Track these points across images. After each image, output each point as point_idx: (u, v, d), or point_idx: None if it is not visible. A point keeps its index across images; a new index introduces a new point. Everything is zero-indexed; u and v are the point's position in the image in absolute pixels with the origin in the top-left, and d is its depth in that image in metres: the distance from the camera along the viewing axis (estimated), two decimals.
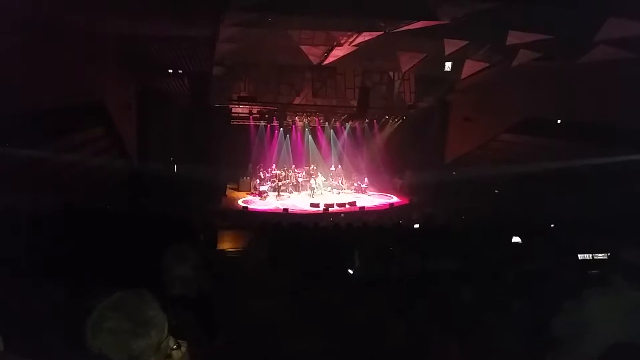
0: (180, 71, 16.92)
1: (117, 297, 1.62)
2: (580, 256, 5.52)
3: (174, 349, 1.57)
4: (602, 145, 13.32)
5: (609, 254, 2.67)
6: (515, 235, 6.18)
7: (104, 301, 1.61)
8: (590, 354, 2.21)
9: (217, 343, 2.65)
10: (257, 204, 19.44)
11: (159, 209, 13.02)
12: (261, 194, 20.10)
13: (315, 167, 22.02)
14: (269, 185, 20.95)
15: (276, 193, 20.48)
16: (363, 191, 21.55)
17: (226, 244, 10.72)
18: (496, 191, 17.66)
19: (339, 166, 22.60)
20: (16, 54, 8.85)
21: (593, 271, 4.13)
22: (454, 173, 19.43)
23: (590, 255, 5.40)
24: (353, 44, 16.42)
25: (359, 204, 19.24)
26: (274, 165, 21.74)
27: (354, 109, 21.02)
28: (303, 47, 17.32)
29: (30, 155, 10.32)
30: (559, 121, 15.83)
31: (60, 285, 3.30)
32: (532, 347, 2.64)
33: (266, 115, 21.53)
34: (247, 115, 21.30)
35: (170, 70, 16.88)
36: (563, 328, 2.44)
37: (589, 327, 2.30)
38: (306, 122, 22.63)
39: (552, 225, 9.27)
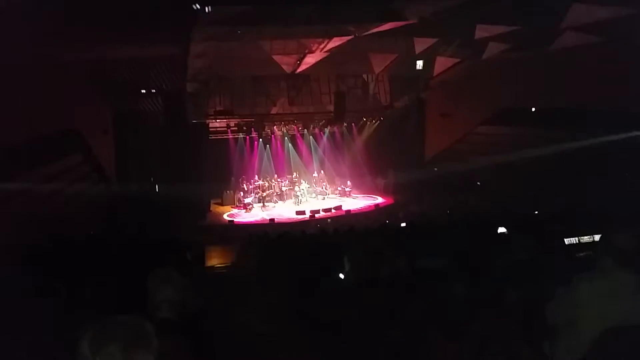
0: (154, 91, 16.80)
1: (107, 325, 1.60)
2: (566, 240, 5.59)
3: None
4: (579, 129, 13.55)
5: (599, 238, 2.67)
6: (502, 225, 6.23)
7: (95, 330, 1.58)
8: (585, 340, 2.22)
9: None
10: (242, 216, 19.30)
11: (143, 231, 12.86)
12: (246, 206, 19.97)
13: (297, 175, 21.95)
14: (253, 196, 20.82)
15: (261, 204, 20.35)
16: (347, 194, 21.57)
17: (214, 260, 10.62)
18: (478, 183, 17.84)
19: (322, 172, 22.56)
20: None
21: (581, 254, 4.17)
22: (435, 169, 19.57)
23: (577, 239, 5.47)
24: (324, 50, 16.51)
25: (344, 208, 19.24)
26: (257, 176, 21.61)
27: (331, 114, 21.09)
28: (275, 57, 17.36)
29: (8, 188, 10.15)
30: (533, 109, 16.09)
31: (48, 316, 3.23)
32: (530, 337, 2.64)
33: (244, 127, 21.41)
34: (225, 129, 21.16)
35: (144, 91, 16.75)
36: (557, 315, 2.45)
37: (583, 312, 2.30)
38: (285, 131, 22.57)
39: (536, 212, 9.38)
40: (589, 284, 2.37)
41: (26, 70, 10.61)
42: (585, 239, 5.47)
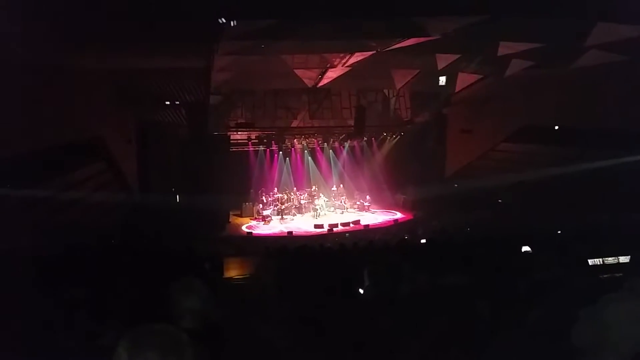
0: (178, 102, 17.08)
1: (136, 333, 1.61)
2: (590, 261, 5.47)
3: None
4: (601, 148, 13.34)
5: (629, 258, 2.61)
6: (524, 244, 6.14)
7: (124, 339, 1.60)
8: None
9: None
10: (261, 228, 19.37)
11: (163, 240, 13.00)
12: (264, 219, 20.05)
13: (316, 188, 21.99)
14: (271, 209, 20.90)
15: (279, 216, 20.43)
16: (366, 209, 21.50)
17: (232, 272, 10.67)
18: (499, 201, 17.62)
19: (341, 186, 22.56)
20: (16, 94, 8.96)
21: (605, 276, 4.08)
22: (455, 185, 19.40)
23: (601, 260, 5.36)
24: (346, 64, 16.60)
25: (363, 222, 19.18)
26: (276, 188, 21.72)
27: (352, 128, 21.14)
28: (297, 71, 17.52)
29: (33, 194, 10.37)
30: (556, 127, 15.89)
31: (68, 325, 3.26)
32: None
33: (265, 140, 21.62)
34: (246, 141, 21.37)
35: (168, 102, 17.04)
36: (585, 338, 2.38)
37: (612, 335, 2.23)
38: (305, 144, 22.70)
39: (559, 232, 9.21)
40: (617, 306, 2.30)
41: (53, 80, 10.90)
42: (610, 260, 5.35)
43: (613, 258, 5.45)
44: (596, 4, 9.30)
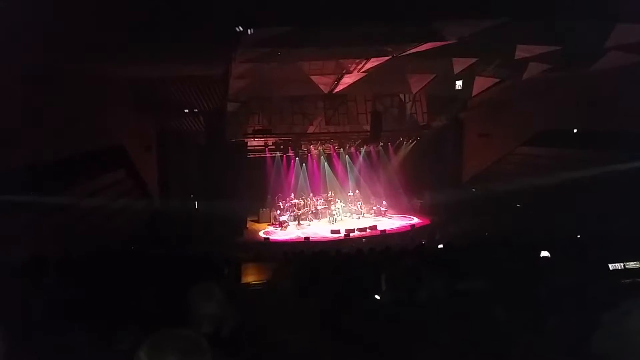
0: (196, 110, 17.29)
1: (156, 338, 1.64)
2: (611, 266, 5.39)
3: None
4: (620, 151, 13.12)
5: None
6: (543, 249, 6.07)
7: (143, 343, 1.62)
8: None
9: None
10: (278, 234, 19.45)
11: (181, 246, 13.13)
12: (281, 224, 20.13)
13: (333, 194, 22.02)
14: (288, 214, 20.97)
15: (296, 222, 20.48)
16: (383, 214, 21.44)
17: (250, 277, 10.72)
18: (518, 205, 17.40)
19: (357, 191, 22.55)
20: (39, 102, 9.16)
21: (628, 280, 4.02)
22: (473, 190, 19.23)
23: (622, 264, 5.28)
24: (362, 70, 16.61)
25: (379, 228, 19.12)
26: (292, 194, 21.79)
27: (368, 133, 21.13)
28: (313, 77, 17.59)
29: (54, 201, 10.56)
30: (575, 131, 15.68)
31: (88, 329, 3.31)
32: None
33: (281, 146, 21.76)
34: (263, 147, 21.54)
35: (187, 110, 17.27)
36: (606, 344, 2.34)
37: (631, 342, 2.20)
38: (321, 150, 22.75)
39: (579, 237, 9.08)
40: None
41: (74, 88, 11.11)
42: (631, 264, 5.27)
43: (635, 262, 5.37)
44: (614, 4, 9.17)
